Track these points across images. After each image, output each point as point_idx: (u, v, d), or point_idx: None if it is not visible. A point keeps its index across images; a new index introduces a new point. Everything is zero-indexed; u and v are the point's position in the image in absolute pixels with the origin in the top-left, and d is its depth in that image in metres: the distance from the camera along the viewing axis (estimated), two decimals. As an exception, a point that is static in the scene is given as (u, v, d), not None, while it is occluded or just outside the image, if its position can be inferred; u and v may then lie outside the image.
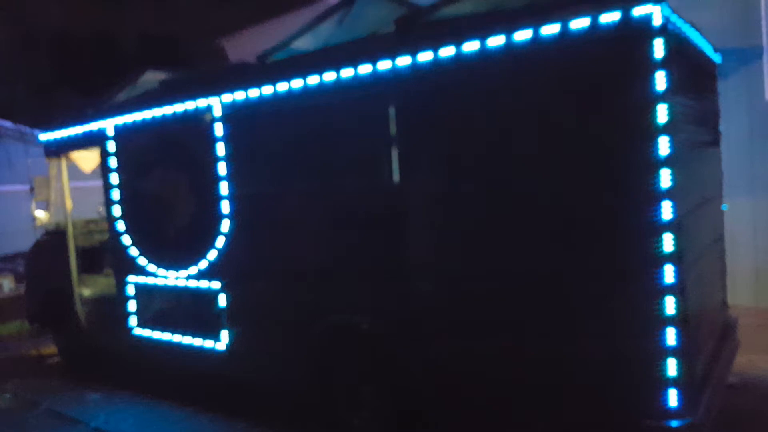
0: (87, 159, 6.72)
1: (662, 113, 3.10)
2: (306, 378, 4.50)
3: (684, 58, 3.59)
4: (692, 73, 3.88)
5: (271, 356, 4.76)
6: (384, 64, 3.95)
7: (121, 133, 5.81)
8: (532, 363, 3.53)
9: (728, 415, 3.91)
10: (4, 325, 8.97)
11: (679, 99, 3.32)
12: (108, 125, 5.90)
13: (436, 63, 3.74)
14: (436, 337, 3.89)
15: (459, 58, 3.65)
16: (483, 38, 3.55)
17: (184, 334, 5.42)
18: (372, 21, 4.68)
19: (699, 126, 4.04)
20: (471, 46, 3.60)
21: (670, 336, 3.15)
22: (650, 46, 3.09)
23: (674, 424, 3.17)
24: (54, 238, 6.87)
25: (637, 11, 3.10)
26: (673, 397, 3.17)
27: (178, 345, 5.46)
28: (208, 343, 5.19)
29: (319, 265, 4.43)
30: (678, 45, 3.38)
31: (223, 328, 5.07)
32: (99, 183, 6.09)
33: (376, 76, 3.99)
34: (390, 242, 4.05)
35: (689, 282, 3.28)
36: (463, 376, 3.81)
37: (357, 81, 4.08)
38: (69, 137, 6.43)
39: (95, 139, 6.04)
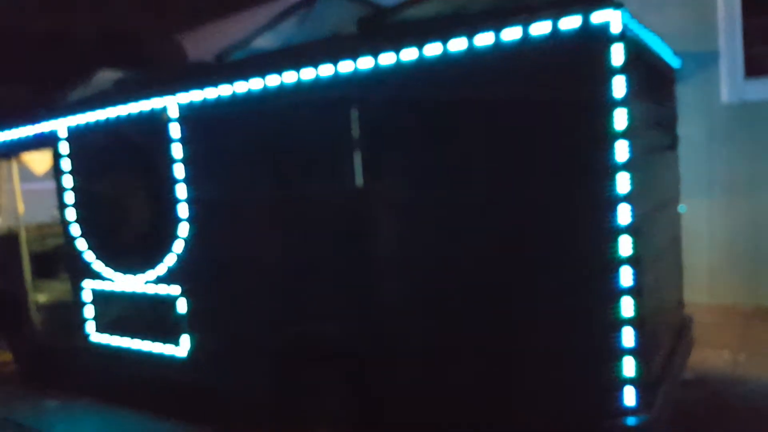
0: (39, 161, 6.50)
1: (621, 118, 3.13)
2: (269, 386, 4.43)
3: (643, 63, 3.64)
4: (651, 77, 3.94)
5: (234, 363, 4.68)
6: (346, 66, 3.90)
7: (74, 134, 5.61)
8: (492, 364, 3.55)
9: (683, 410, 4.00)
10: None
11: (638, 104, 3.36)
12: (60, 126, 5.69)
13: (398, 65, 3.70)
14: (405, 342, 3.87)
15: (421, 61, 3.62)
16: (445, 41, 3.53)
17: (143, 340, 5.29)
18: (334, 21, 4.63)
19: (657, 130, 4.11)
20: (433, 49, 3.58)
21: (628, 336, 3.20)
22: (609, 51, 3.11)
23: (631, 421, 3.24)
24: (6, 242, 6.63)
25: (597, 17, 3.12)
26: (630, 396, 3.23)
27: (138, 352, 5.33)
28: (168, 350, 5.07)
29: (282, 271, 4.36)
30: (637, 50, 3.43)
31: (183, 334, 4.96)
32: (52, 185, 5.88)
33: (337, 78, 3.94)
34: (354, 247, 4.01)
35: (646, 284, 3.33)
36: (431, 382, 3.80)
37: (318, 82, 4.02)
38: (19, 138, 6.19)
39: (47, 141, 5.83)
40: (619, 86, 3.12)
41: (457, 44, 3.50)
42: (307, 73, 4.05)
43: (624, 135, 3.13)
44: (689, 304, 5.01)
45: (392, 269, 3.89)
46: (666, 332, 4.15)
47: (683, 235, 4.89)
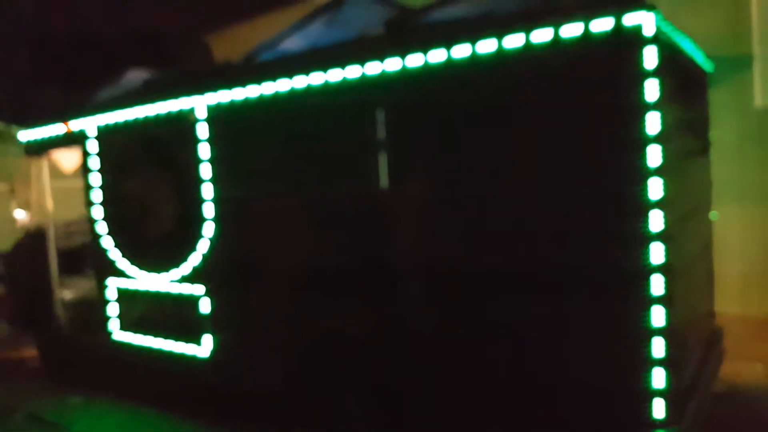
0: (68, 159, 6.60)
1: (653, 122, 3.07)
2: (292, 384, 4.44)
3: (675, 67, 3.57)
4: (683, 81, 3.87)
5: (256, 363, 4.69)
6: (373, 67, 3.89)
7: (102, 133, 5.70)
8: (518, 370, 3.51)
9: (714, 423, 3.90)
10: (-17, 327, 8.80)
11: (670, 108, 3.29)
12: (89, 125, 5.78)
13: (426, 67, 3.69)
14: (425, 341, 3.84)
15: (449, 63, 3.60)
16: (474, 43, 3.50)
17: (166, 339, 5.34)
18: (361, 23, 4.61)
19: (689, 134, 4.03)
20: (461, 51, 3.55)
21: (658, 347, 3.13)
22: (642, 54, 3.06)
23: (660, 434, 3.15)
24: (35, 239, 6.75)
25: (629, 19, 3.07)
26: (659, 408, 3.16)
27: (160, 350, 5.37)
28: (191, 349, 5.11)
29: (306, 270, 4.38)
30: (670, 53, 3.36)
31: (206, 333, 4.99)
32: (81, 183, 5.97)
33: (364, 79, 3.93)
34: (378, 248, 4.00)
35: (677, 292, 3.25)
36: (451, 379, 3.77)
37: (345, 84, 4.02)
38: (50, 136, 6.31)
39: (76, 139, 5.93)
40: (651, 90, 3.06)
41: (486, 46, 3.46)
42: (334, 75, 4.05)
43: (656, 140, 3.07)
44: (720, 314, 4.89)
45: (416, 270, 3.86)
46: (696, 342, 4.06)
47: (714, 243, 4.78)
